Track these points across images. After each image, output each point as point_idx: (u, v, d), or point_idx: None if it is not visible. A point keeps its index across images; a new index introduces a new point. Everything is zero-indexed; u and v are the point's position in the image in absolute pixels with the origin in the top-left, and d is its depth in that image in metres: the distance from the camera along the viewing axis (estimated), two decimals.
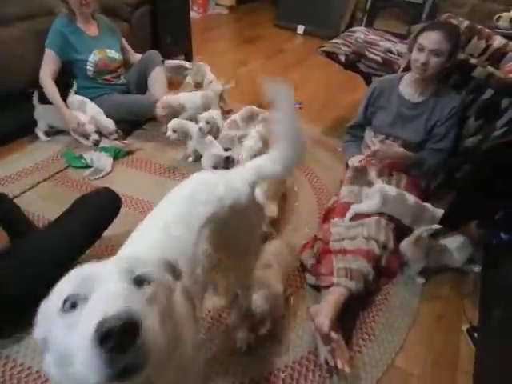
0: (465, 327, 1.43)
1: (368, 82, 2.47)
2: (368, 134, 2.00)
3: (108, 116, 2.33)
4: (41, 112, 2.30)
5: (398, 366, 1.31)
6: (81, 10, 2.25)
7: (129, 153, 2.29)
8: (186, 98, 2.48)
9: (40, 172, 2.10)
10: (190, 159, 2.27)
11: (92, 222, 1.44)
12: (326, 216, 1.80)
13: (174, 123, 2.16)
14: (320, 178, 2.20)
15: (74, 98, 2.38)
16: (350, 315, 1.43)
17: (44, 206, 1.84)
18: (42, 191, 1.97)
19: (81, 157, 2.18)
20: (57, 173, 2.11)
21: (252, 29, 4.94)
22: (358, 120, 2.03)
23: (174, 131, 2.15)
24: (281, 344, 1.34)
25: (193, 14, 3.90)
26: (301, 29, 4.81)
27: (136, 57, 2.69)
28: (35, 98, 2.27)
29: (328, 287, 1.40)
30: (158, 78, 2.55)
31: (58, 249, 1.32)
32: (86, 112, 2.33)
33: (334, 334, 1.19)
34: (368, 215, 1.62)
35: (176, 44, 3.54)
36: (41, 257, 1.28)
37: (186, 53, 3.76)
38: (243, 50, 4.27)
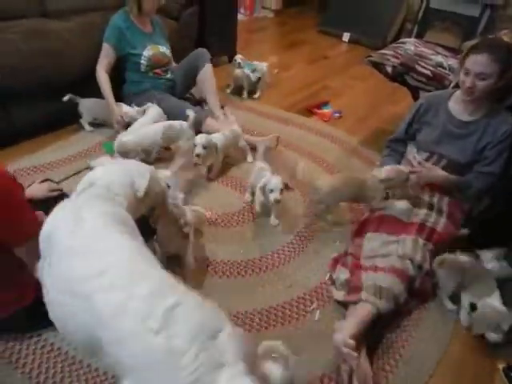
0: (501, 366, 1.34)
1: (415, 95, 2.38)
2: (410, 150, 1.92)
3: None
4: (85, 105, 2.40)
5: None
6: (150, 13, 2.42)
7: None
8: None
9: (83, 160, 2.19)
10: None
11: None
12: (359, 231, 1.74)
13: (203, 140, 1.99)
14: None
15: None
16: (377, 337, 1.38)
17: None
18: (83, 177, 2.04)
19: None
20: None
21: (296, 33, 4.93)
22: (398, 135, 1.95)
23: (205, 147, 2.00)
24: (303, 360, 1.31)
25: (239, 16, 3.93)
26: (346, 36, 4.74)
27: None
28: (73, 96, 2.33)
29: (355, 303, 1.36)
30: (207, 77, 2.58)
31: None
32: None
33: (350, 352, 1.14)
34: (405, 230, 1.56)
35: (221, 44, 3.59)
36: None
37: (229, 54, 3.80)
38: (286, 53, 4.26)
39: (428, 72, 2.18)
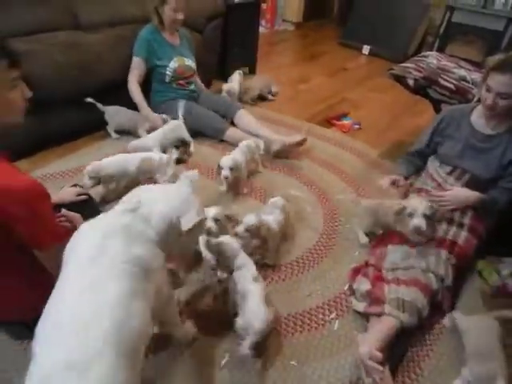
0: None
1: (437, 108, 2.38)
2: (432, 164, 1.90)
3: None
4: (110, 113, 2.49)
5: None
6: (171, 25, 2.51)
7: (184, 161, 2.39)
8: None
9: None
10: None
11: None
12: (380, 241, 1.74)
13: (229, 162, 2.00)
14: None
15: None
16: (398, 350, 1.37)
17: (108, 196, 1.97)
18: None
19: None
20: None
21: (316, 45, 4.99)
22: (418, 147, 1.92)
23: (231, 169, 2.01)
24: (321, 368, 1.31)
25: (260, 29, 4.02)
26: (366, 49, 4.77)
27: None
28: (99, 104, 2.42)
29: (377, 315, 1.35)
30: (245, 119, 2.62)
31: None
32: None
33: (375, 365, 1.14)
34: (428, 243, 1.55)
35: (242, 56, 3.68)
36: None
37: (249, 65, 3.88)
38: (306, 65, 4.31)
39: (451, 86, 2.18)
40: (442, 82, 2.19)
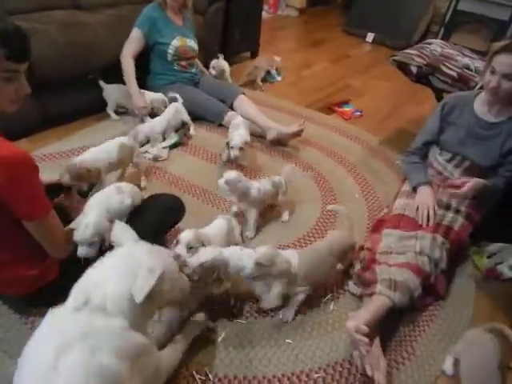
0: None
1: (438, 97, 2.37)
2: (432, 152, 1.90)
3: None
4: (109, 92, 2.47)
5: None
6: (173, 5, 2.48)
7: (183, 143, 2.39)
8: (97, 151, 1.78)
9: None
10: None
11: (156, 227, 1.51)
12: (376, 227, 1.75)
13: (240, 143, 2.04)
14: (373, 189, 2.16)
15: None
16: (390, 330, 1.40)
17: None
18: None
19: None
20: None
21: (320, 32, 4.93)
22: (427, 139, 1.86)
23: (241, 148, 2.05)
24: (316, 346, 1.34)
25: (263, 14, 3.96)
26: (370, 37, 4.72)
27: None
28: (101, 81, 2.41)
29: (370, 295, 1.38)
30: (245, 104, 2.57)
31: None
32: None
33: (362, 338, 1.15)
34: (423, 229, 1.57)
35: (244, 40, 3.63)
36: None
37: (252, 50, 3.84)
38: (308, 52, 4.27)
39: (454, 73, 2.17)
40: (445, 69, 2.18)
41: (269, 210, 1.92)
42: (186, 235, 1.33)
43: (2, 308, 1.35)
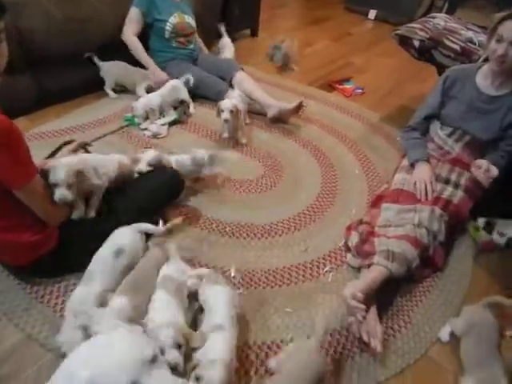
0: (509, 333, 1.37)
1: (441, 72, 2.33)
2: (433, 126, 1.89)
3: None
4: (106, 70, 2.44)
5: (431, 357, 1.29)
6: None
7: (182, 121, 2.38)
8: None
9: (107, 125, 2.26)
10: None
11: (155, 202, 1.56)
12: (376, 202, 1.76)
13: (229, 105, 2.05)
14: (373, 165, 2.16)
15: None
16: (387, 300, 1.43)
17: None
18: (108, 142, 2.12)
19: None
20: (122, 128, 2.25)
21: (321, 10, 4.82)
22: (428, 112, 1.84)
23: (231, 111, 2.05)
24: (314, 315, 1.36)
25: None
26: (372, 14, 4.62)
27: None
28: (96, 59, 2.38)
29: (368, 267, 1.40)
30: (244, 81, 2.53)
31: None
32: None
33: (357, 304, 1.18)
34: (421, 202, 1.58)
35: (244, 18, 3.57)
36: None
37: (251, 27, 3.77)
38: (309, 30, 4.19)
39: (457, 47, 2.13)
40: (448, 43, 2.14)
41: (266, 187, 1.93)
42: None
43: (8, 279, 1.38)
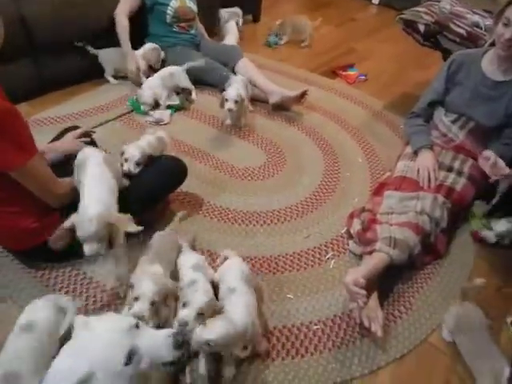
0: (510, 319, 1.38)
1: (446, 58, 2.29)
2: (437, 113, 1.87)
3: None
4: (104, 57, 2.40)
5: (431, 343, 1.30)
6: None
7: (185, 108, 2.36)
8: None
9: (109, 111, 2.25)
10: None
11: (158, 189, 1.54)
12: (378, 190, 1.75)
13: (234, 95, 2.01)
14: (376, 152, 2.15)
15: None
16: (388, 286, 1.44)
17: (110, 142, 1.94)
18: (109, 128, 2.11)
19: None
20: (123, 114, 2.24)
21: None
22: (433, 98, 1.82)
23: (236, 101, 2.01)
24: (316, 301, 1.38)
25: None
26: None
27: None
28: (89, 47, 2.33)
29: (370, 253, 1.40)
30: (247, 68, 2.50)
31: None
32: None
33: (359, 290, 1.18)
34: (424, 190, 1.57)
35: (245, 3, 3.50)
36: None
37: (253, 13, 3.71)
38: (312, 15, 4.06)
39: (463, 31, 2.09)
40: (454, 27, 2.10)
41: (268, 174, 1.93)
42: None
43: (12, 263, 1.39)
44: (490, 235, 1.64)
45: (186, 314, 1.07)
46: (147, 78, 2.35)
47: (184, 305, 1.10)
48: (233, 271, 1.24)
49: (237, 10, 3.31)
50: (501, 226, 1.64)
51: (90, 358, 0.75)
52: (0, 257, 1.41)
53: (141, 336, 0.80)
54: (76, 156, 1.36)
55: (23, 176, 1.14)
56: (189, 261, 1.28)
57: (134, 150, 1.48)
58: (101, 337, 0.78)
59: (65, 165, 1.39)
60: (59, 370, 0.75)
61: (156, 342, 0.81)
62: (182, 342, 0.81)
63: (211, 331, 0.98)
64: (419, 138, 1.80)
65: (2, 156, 1.08)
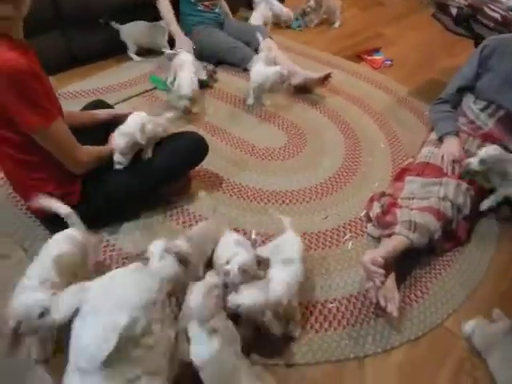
0: None
1: (478, 45, 2.22)
2: (466, 100, 1.82)
3: (205, 48, 2.45)
4: (126, 32, 2.40)
5: (447, 328, 1.30)
6: None
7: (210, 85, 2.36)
8: None
9: (132, 88, 2.27)
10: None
11: (180, 164, 1.56)
12: (400, 175, 1.73)
13: (259, 79, 2.09)
14: (399, 138, 2.11)
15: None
16: (406, 270, 1.43)
17: None
18: (132, 104, 2.12)
19: (165, 82, 2.25)
20: (147, 91, 2.26)
21: None
22: (461, 83, 1.77)
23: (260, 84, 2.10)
24: (332, 281, 1.39)
25: None
26: None
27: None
28: (113, 22, 2.33)
29: (389, 236, 1.40)
30: (274, 46, 2.47)
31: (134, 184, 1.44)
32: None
33: (377, 269, 1.18)
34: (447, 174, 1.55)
35: None
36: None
37: None
38: None
39: (497, 16, 2.02)
40: (488, 11, 2.03)
41: (288, 155, 1.93)
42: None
43: (39, 228, 1.45)
44: (473, 161, 1.49)
45: (229, 267, 1.09)
46: None
47: (227, 262, 1.12)
48: (293, 243, 1.26)
49: None
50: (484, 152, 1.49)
51: (128, 311, 0.78)
52: (28, 221, 1.46)
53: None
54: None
55: (46, 139, 1.17)
56: (230, 238, 1.27)
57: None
58: (131, 285, 0.84)
59: (90, 134, 1.42)
60: (102, 323, 0.78)
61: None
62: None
63: (244, 297, 1.04)
64: (445, 124, 1.76)
65: (21, 117, 1.10)
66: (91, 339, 0.78)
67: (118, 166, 1.37)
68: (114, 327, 0.77)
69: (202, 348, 0.93)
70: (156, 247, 1.11)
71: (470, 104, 1.77)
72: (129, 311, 0.79)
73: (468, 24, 2.14)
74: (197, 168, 1.69)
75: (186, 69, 2.08)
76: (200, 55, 2.47)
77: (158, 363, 0.85)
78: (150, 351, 0.81)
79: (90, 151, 1.31)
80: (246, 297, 1.04)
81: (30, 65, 1.07)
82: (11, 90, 1.05)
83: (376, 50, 2.92)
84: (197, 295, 1.00)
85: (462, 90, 1.79)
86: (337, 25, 3.31)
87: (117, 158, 1.36)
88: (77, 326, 0.81)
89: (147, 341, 0.81)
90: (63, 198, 1.28)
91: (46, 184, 1.26)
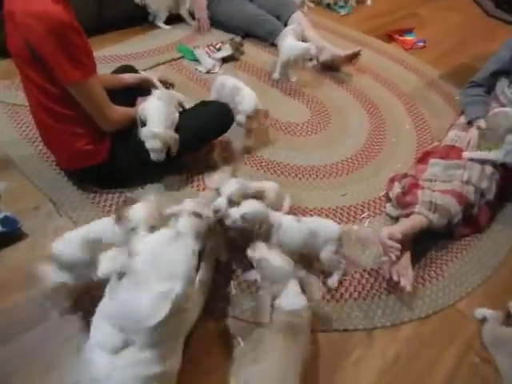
0: None
1: None
2: (500, 84, 1.76)
3: (232, 19, 2.46)
4: (154, 2, 2.40)
5: (458, 309, 1.30)
6: None
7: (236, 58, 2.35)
8: None
9: (159, 56, 2.28)
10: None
11: (205, 132, 1.57)
12: (424, 157, 1.70)
13: (290, 52, 2.08)
14: (426, 121, 2.07)
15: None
16: (422, 251, 1.43)
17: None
18: (159, 72, 2.13)
19: (193, 52, 2.27)
20: (174, 59, 2.26)
21: None
22: (497, 67, 1.72)
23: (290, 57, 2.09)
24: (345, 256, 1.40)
25: None
26: None
27: None
28: None
29: (407, 216, 1.39)
30: (300, 20, 2.43)
31: None
32: None
33: (393, 243, 1.19)
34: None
35: None
36: None
37: None
38: None
39: None
40: None
41: (311, 132, 1.91)
42: (229, 187, 1.24)
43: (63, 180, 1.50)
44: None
45: (218, 202, 1.21)
46: None
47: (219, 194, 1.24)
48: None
49: None
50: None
51: (178, 274, 0.84)
52: (58, 177, 1.52)
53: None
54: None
55: (81, 94, 1.21)
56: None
57: None
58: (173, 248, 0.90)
59: (119, 96, 1.44)
60: (153, 292, 0.81)
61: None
62: None
63: (246, 207, 1.18)
64: (475, 108, 1.71)
65: (60, 69, 1.13)
66: (141, 307, 0.79)
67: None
68: (166, 296, 0.80)
69: None
70: (186, 207, 1.14)
71: (505, 89, 1.71)
72: (180, 280, 0.83)
73: (510, 6, 2.03)
74: (219, 138, 1.71)
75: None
76: (228, 26, 2.46)
77: (190, 324, 0.94)
78: (186, 314, 0.88)
79: (120, 111, 1.35)
80: (249, 206, 1.18)
81: (73, 19, 1.10)
82: (52, 40, 1.08)
83: (408, 31, 2.83)
84: None
85: (496, 74, 1.74)
86: (369, 2, 3.20)
87: (153, 157, 1.41)
88: (123, 290, 0.83)
89: (188, 305, 0.87)
90: (94, 155, 1.33)
91: (80, 139, 1.31)
